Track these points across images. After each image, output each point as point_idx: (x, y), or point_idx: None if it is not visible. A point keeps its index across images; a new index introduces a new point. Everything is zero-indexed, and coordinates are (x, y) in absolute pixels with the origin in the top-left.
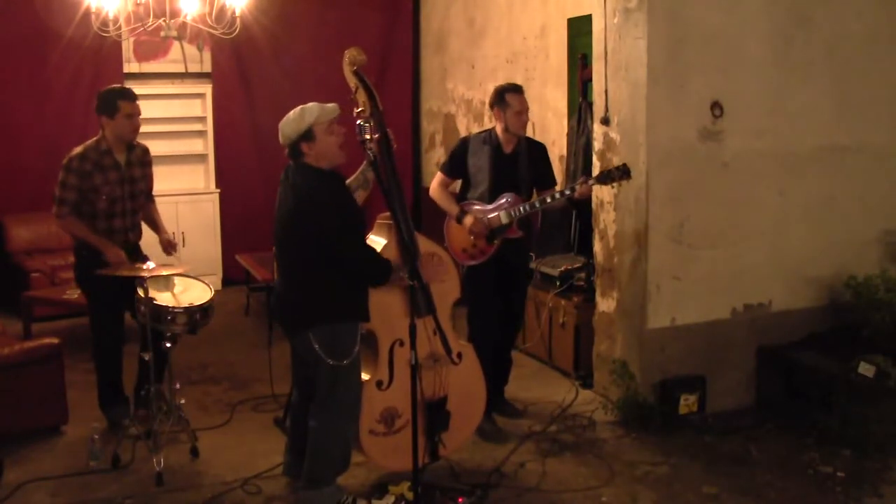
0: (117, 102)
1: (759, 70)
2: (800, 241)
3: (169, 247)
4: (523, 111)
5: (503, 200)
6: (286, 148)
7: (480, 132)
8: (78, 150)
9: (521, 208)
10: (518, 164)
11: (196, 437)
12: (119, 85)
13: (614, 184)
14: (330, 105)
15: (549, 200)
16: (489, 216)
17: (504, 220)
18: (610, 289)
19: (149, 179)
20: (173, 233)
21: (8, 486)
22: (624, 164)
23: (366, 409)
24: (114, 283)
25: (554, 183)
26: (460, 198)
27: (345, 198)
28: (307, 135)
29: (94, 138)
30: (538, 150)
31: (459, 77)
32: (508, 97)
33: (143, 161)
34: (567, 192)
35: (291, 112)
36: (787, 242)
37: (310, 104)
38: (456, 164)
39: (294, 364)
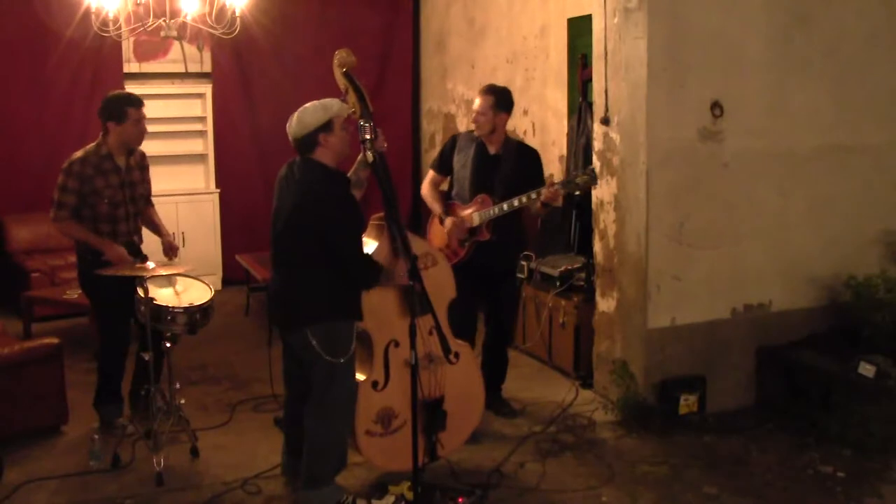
0: (126, 109)
1: (759, 70)
2: (800, 241)
3: (170, 250)
4: (478, 113)
5: (476, 201)
6: (299, 140)
7: (471, 129)
8: (78, 154)
9: (491, 211)
10: (500, 166)
11: (196, 437)
12: (124, 91)
13: (578, 191)
14: (346, 103)
15: (516, 204)
16: (465, 218)
17: (476, 221)
18: (610, 289)
19: (147, 183)
20: (173, 233)
21: (8, 486)
22: (591, 169)
23: (362, 409)
24: (117, 285)
25: None
26: (449, 196)
27: (350, 196)
28: (328, 126)
29: (95, 143)
30: (528, 155)
31: (459, 77)
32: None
33: (142, 165)
34: (534, 196)
35: (310, 104)
36: (787, 242)
37: (327, 99)
38: (444, 161)
39: (286, 363)
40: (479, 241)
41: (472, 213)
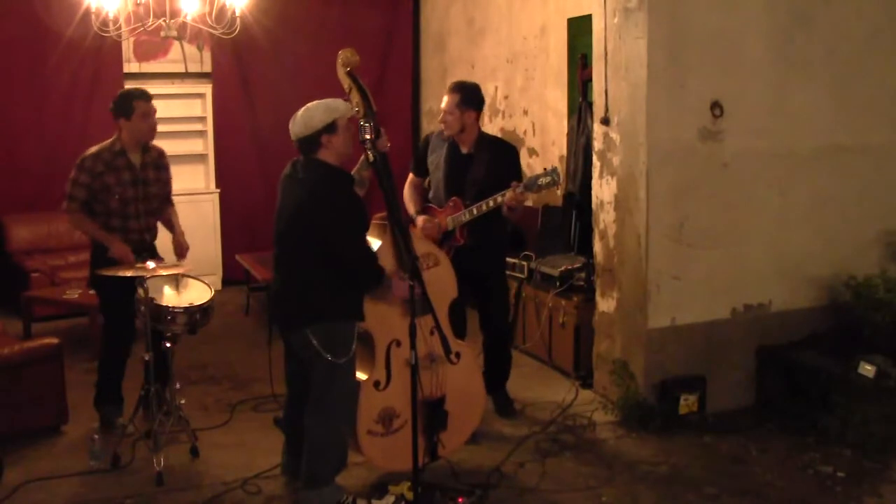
0: (133, 103)
1: (760, 70)
2: (800, 241)
3: (180, 250)
4: (445, 112)
5: (448, 205)
6: (301, 140)
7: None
8: (93, 149)
9: (462, 215)
10: (472, 165)
11: (196, 437)
12: (135, 87)
13: (543, 190)
14: (349, 104)
15: (484, 207)
16: (440, 222)
17: (449, 226)
18: (610, 289)
19: (164, 182)
20: None
21: (8, 486)
22: (553, 168)
23: (364, 409)
24: (121, 285)
25: None
26: (427, 199)
27: (355, 196)
28: (331, 127)
29: (111, 139)
30: (502, 152)
31: (459, 77)
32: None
33: (158, 164)
34: (499, 199)
35: (314, 104)
36: (787, 242)
37: (332, 99)
38: (419, 162)
39: (287, 363)
40: (456, 246)
41: (445, 218)
